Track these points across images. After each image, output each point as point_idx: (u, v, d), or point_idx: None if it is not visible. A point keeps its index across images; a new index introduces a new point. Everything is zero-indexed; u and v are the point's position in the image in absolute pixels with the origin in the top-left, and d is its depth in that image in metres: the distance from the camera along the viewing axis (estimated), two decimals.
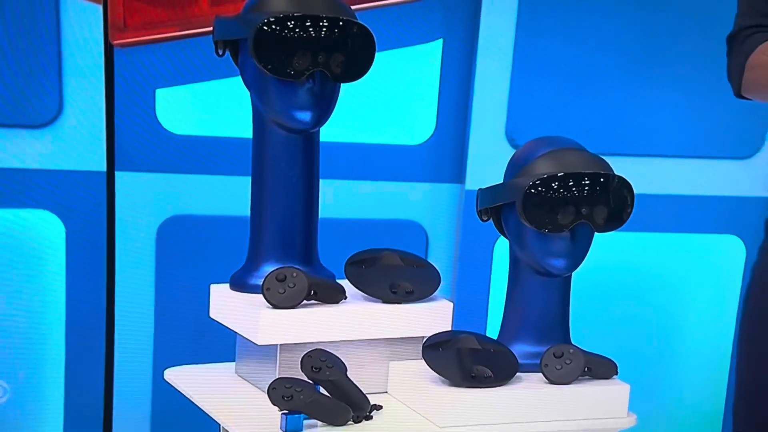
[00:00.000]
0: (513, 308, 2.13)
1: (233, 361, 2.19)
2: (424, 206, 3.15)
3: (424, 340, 2.04)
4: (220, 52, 2.08)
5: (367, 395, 1.98)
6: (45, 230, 2.90)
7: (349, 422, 1.93)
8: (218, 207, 2.97)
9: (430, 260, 2.23)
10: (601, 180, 2.05)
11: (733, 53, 2.24)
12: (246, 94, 2.09)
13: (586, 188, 2.04)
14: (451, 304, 2.13)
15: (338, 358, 1.95)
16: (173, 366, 2.22)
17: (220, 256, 2.93)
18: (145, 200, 2.93)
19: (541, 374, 2.05)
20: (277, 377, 1.96)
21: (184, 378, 2.16)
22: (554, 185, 2.02)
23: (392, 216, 3.12)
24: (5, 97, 2.81)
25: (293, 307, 1.99)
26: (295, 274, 1.98)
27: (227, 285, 2.12)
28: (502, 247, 3.02)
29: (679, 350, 3.39)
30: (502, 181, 2.12)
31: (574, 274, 2.11)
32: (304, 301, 2.00)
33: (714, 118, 3.25)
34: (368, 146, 3.07)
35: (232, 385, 2.13)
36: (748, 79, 2.21)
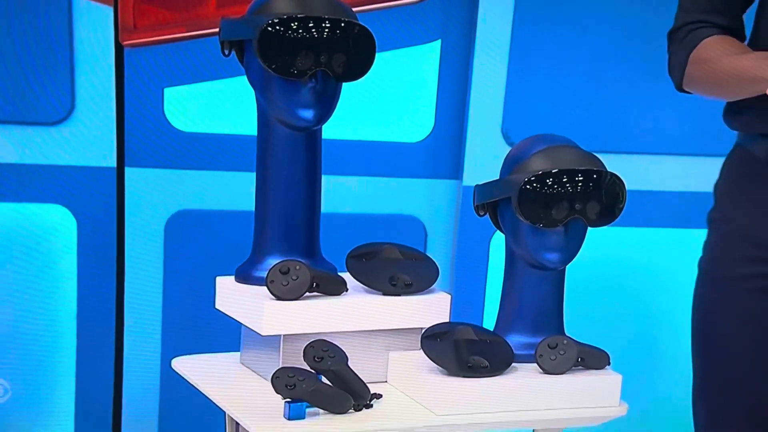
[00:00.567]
0: (509, 300, 2.13)
1: (238, 350, 2.18)
2: (422, 202, 3.14)
3: (423, 331, 2.04)
4: (226, 53, 2.08)
5: (368, 384, 1.98)
6: (57, 224, 2.90)
7: (350, 410, 1.93)
8: (224, 202, 2.96)
9: (428, 254, 2.22)
10: (594, 176, 2.04)
11: (675, 48, 2.24)
12: (251, 92, 2.08)
13: (580, 184, 2.03)
14: (449, 297, 2.13)
15: (339, 348, 1.94)
16: (180, 355, 2.22)
17: (225, 250, 2.92)
18: (154, 195, 2.92)
19: (535, 364, 2.05)
20: (280, 366, 1.96)
21: (190, 367, 2.16)
22: (548, 181, 2.02)
23: (392, 211, 3.11)
24: (19, 95, 2.81)
25: (296, 298, 1.99)
26: (298, 267, 1.98)
27: (232, 277, 2.12)
28: (498, 241, 3.01)
29: (669, 341, 3.39)
30: (498, 178, 2.12)
31: (568, 267, 2.11)
32: (307, 293, 2.00)
33: (703, 116, 3.24)
34: (369, 143, 3.06)
35: (237, 374, 2.13)
36: (690, 73, 2.20)
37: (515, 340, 2.08)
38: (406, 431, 1.96)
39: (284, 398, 1.88)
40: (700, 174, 3.29)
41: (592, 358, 2.08)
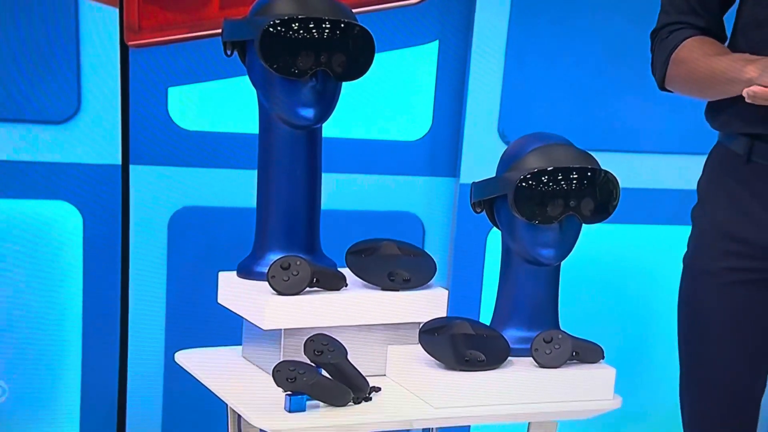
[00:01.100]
0: (505, 296, 2.12)
1: (240, 344, 2.17)
2: (420, 199, 3.14)
3: (421, 325, 2.03)
4: (229, 53, 2.07)
5: (367, 378, 1.97)
6: (63, 220, 2.89)
7: (350, 403, 1.92)
8: (226, 199, 2.96)
9: (426, 250, 2.21)
10: (589, 174, 2.03)
11: (657, 48, 2.25)
12: (253, 92, 2.07)
13: (574, 182, 2.03)
14: (446, 292, 2.12)
15: (339, 342, 1.94)
16: (183, 349, 2.21)
17: (228, 245, 2.92)
18: (158, 192, 2.92)
19: (531, 358, 2.04)
20: (281, 360, 1.95)
21: (193, 360, 2.15)
22: (544, 179, 2.01)
23: (390, 208, 3.11)
24: (27, 94, 2.80)
25: (297, 293, 1.98)
26: (298, 263, 1.97)
27: (234, 272, 2.11)
28: (494, 237, 3.01)
29: (662, 336, 3.38)
30: (494, 175, 2.11)
31: (563, 263, 2.10)
32: (307, 288, 1.99)
33: (696, 116, 3.22)
34: (368, 142, 3.06)
35: (238, 367, 2.12)
36: (671, 73, 2.21)
37: (511, 335, 2.07)
38: (404, 423, 1.95)
39: (285, 391, 1.87)
40: (693, 172, 3.28)
41: (587, 352, 2.07)
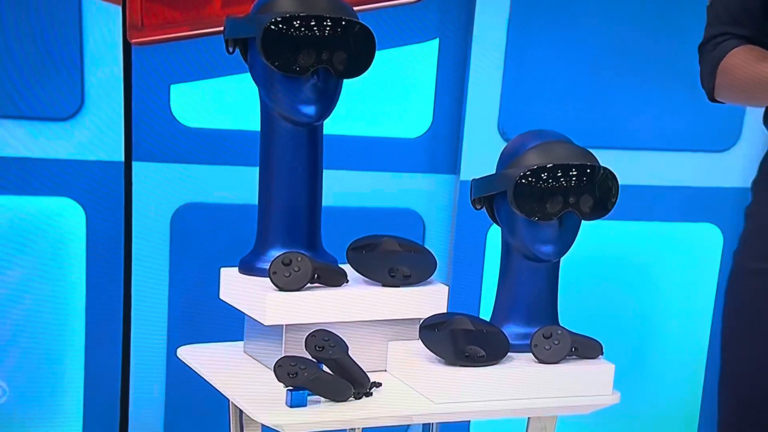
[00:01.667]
0: (504, 292, 2.12)
1: (242, 340, 2.17)
2: (421, 196, 3.13)
3: (421, 321, 2.03)
4: (231, 50, 2.07)
5: (368, 373, 1.97)
6: (66, 217, 2.89)
7: (351, 398, 1.92)
8: (228, 195, 2.96)
9: (426, 246, 2.21)
10: (588, 171, 2.03)
11: (704, 60, 2.25)
12: (254, 89, 2.07)
13: (574, 179, 2.02)
14: (447, 288, 2.12)
15: (340, 337, 1.93)
16: (186, 344, 2.21)
17: (229, 242, 2.92)
18: (161, 189, 2.92)
19: (530, 354, 2.04)
20: (282, 355, 1.95)
21: (195, 355, 2.15)
22: (543, 176, 2.01)
23: (391, 205, 3.11)
24: (30, 91, 2.80)
25: (298, 289, 1.98)
26: (300, 259, 1.97)
27: (236, 269, 2.11)
28: (494, 234, 3.00)
29: (660, 332, 3.38)
30: (494, 172, 2.10)
31: (562, 259, 2.10)
32: (309, 284, 1.99)
33: (694, 113, 3.23)
34: (369, 139, 3.06)
35: (240, 363, 2.12)
36: (720, 83, 2.22)
37: (511, 330, 2.07)
38: (404, 419, 1.95)
39: (286, 386, 1.87)
40: (689, 169, 3.29)
41: (586, 348, 2.07)
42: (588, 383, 2.04)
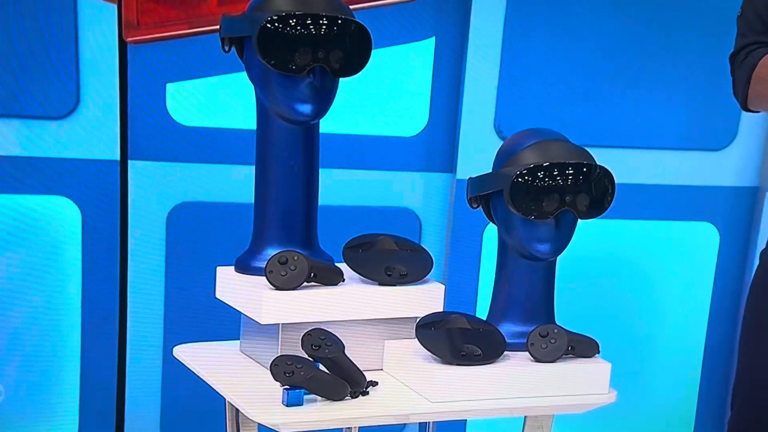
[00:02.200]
0: (501, 290, 2.12)
1: (238, 339, 2.17)
2: (417, 194, 3.14)
3: (418, 320, 2.03)
4: (227, 49, 2.07)
5: (364, 372, 1.97)
6: (63, 215, 2.89)
7: (347, 397, 1.92)
8: (224, 194, 2.96)
9: (423, 245, 2.21)
10: (584, 170, 2.03)
11: (737, 69, 2.25)
12: (250, 88, 2.07)
13: (570, 177, 2.02)
14: (443, 287, 2.12)
15: (336, 336, 1.93)
16: (182, 343, 2.21)
17: (225, 240, 2.92)
18: (156, 187, 2.92)
19: (527, 353, 2.04)
20: (278, 354, 1.95)
21: (191, 354, 2.15)
22: (540, 174, 2.01)
23: (387, 203, 3.11)
24: (26, 90, 2.80)
25: (294, 288, 1.98)
26: (296, 258, 1.97)
27: (232, 267, 2.11)
28: (491, 232, 3.00)
29: (657, 330, 3.39)
30: (490, 171, 2.10)
31: (558, 258, 2.10)
32: (305, 283, 1.99)
33: (690, 112, 3.23)
34: (365, 138, 3.06)
35: (236, 362, 2.12)
36: (753, 92, 2.21)
37: (507, 329, 2.07)
38: (401, 418, 1.95)
39: (282, 385, 1.87)
40: (685, 168, 3.30)
41: (582, 347, 2.07)
42: (584, 382, 2.04)
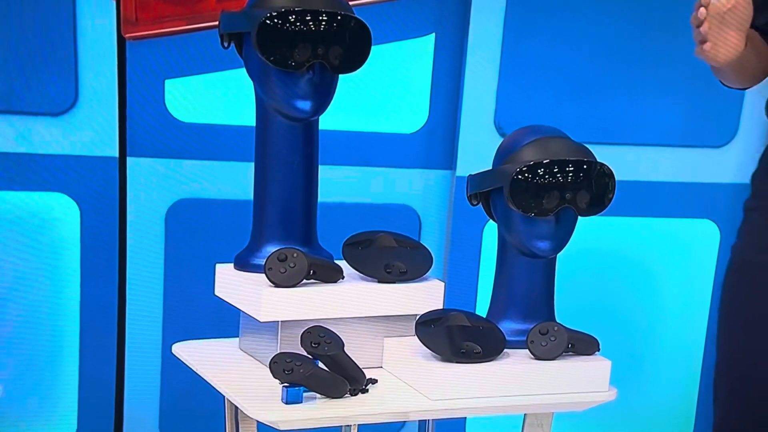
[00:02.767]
0: (501, 288, 2.12)
1: (237, 336, 2.17)
2: (417, 191, 3.13)
3: (417, 317, 2.03)
4: (226, 45, 2.07)
5: (363, 369, 1.97)
6: (61, 212, 2.89)
7: (346, 395, 1.92)
8: (223, 191, 2.95)
9: (422, 242, 2.21)
10: (584, 167, 2.03)
11: None
12: (250, 84, 2.07)
13: (570, 174, 2.02)
14: (443, 284, 2.12)
15: (336, 334, 1.93)
16: (181, 340, 2.21)
17: (225, 238, 2.91)
18: (155, 184, 2.91)
19: (527, 350, 2.04)
20: (278, 352, 1.95)
21: (191, 352, 2.15)
22: (540, 171, 2.01)
23: (387, 200, 3.11)
24: (25, 86, 2.80)
25: (293, 285, 1.98)
26: (295, 255, 1.97)
27: (232, 265, 2.11)
28: (490, 230, 3.00)
29: (657, 328, 3.38)
30: (490, 168, 2.10)
31: (558, 255, 2.10)
32: (304, 280, 1.99)
33: (691, 109, 3.23)
34: (365, 134, 3.06)
35: (236, 359, 2.12)
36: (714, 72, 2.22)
37: (507, 327, 2.07)
38: (400, 415, 1.95)
39: (282, 383, 1.87)
40: (685, 165, 3.30)
41: (582, 344, 2.07)
42: (584, 379, 2.05)
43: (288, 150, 2.06)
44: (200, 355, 2.13)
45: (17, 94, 2.79)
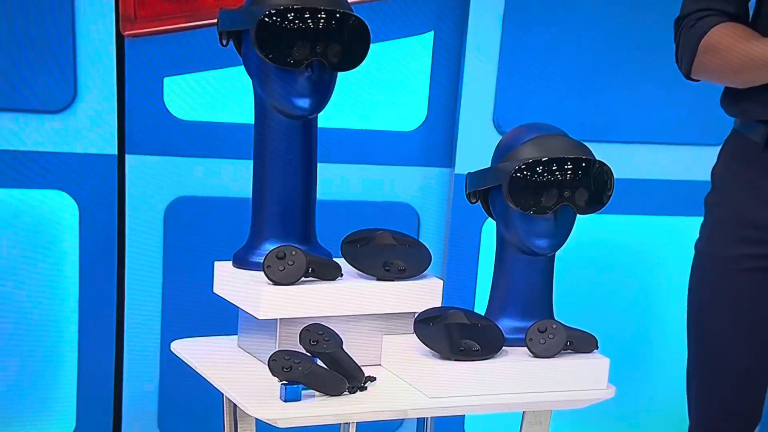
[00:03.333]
0: (499, 286, 2.12)
1: (236, 334, 2.17)
2: (416, 189, 3.13)
3: (416, 315, 2.03)
4: (224, 43, 2.07)
5: (362, 367, 1.97)
6: (60, 210, 2.89)
7: (345, 392, 1.92)
8: (222, 189, 2.95)
9: (421, 240, 2.21)
10: (583, 165, 2.03)
11: (683, 36, 2.22)
12: (248, 82, 2.07)
13: (569, 172, 2.02)
14: (442, 282, 2.12)
15: (334, 331, 1.93)
16: (180, 338, 2.21)
17: (223, 235, 2.92)
18: (154, 182, 2.91)
19: (525, 348, 2.04)
20: (276, 349, 1.95)
21: (189, 349, 2.15)
22: (538, 169, 2.01)
23: (386, 198, 3.11)
24: (23, 84, 2.80)
25: (292, 283, 1.98)
26: (294, 253, 1.97)
27: (230, 262, 2.11)
28: (489, 228, 3.01)
29: (656, 326, 3.39)
30: (489, 166, 2.10)
31: (557, 253, 2.10)
32: (303, 278, 1.99)
33: (689, 107, 3.23)
34: (363, 132, 3.06)
35: (234, 357, 2.12)
36: (700, 61, 2.19)
37: (506, 324, 2.07)
38: (399, 413, 1.95)
39: (280, 380, 1.87)
40: (683, 162, 3.30)
41: (581, 342, 2.07)
42: (583, 377, 2.05)
43: (287, 148, 2.06)
44: (199, 352, 2.13)
45: (16, 92, 2.79)
